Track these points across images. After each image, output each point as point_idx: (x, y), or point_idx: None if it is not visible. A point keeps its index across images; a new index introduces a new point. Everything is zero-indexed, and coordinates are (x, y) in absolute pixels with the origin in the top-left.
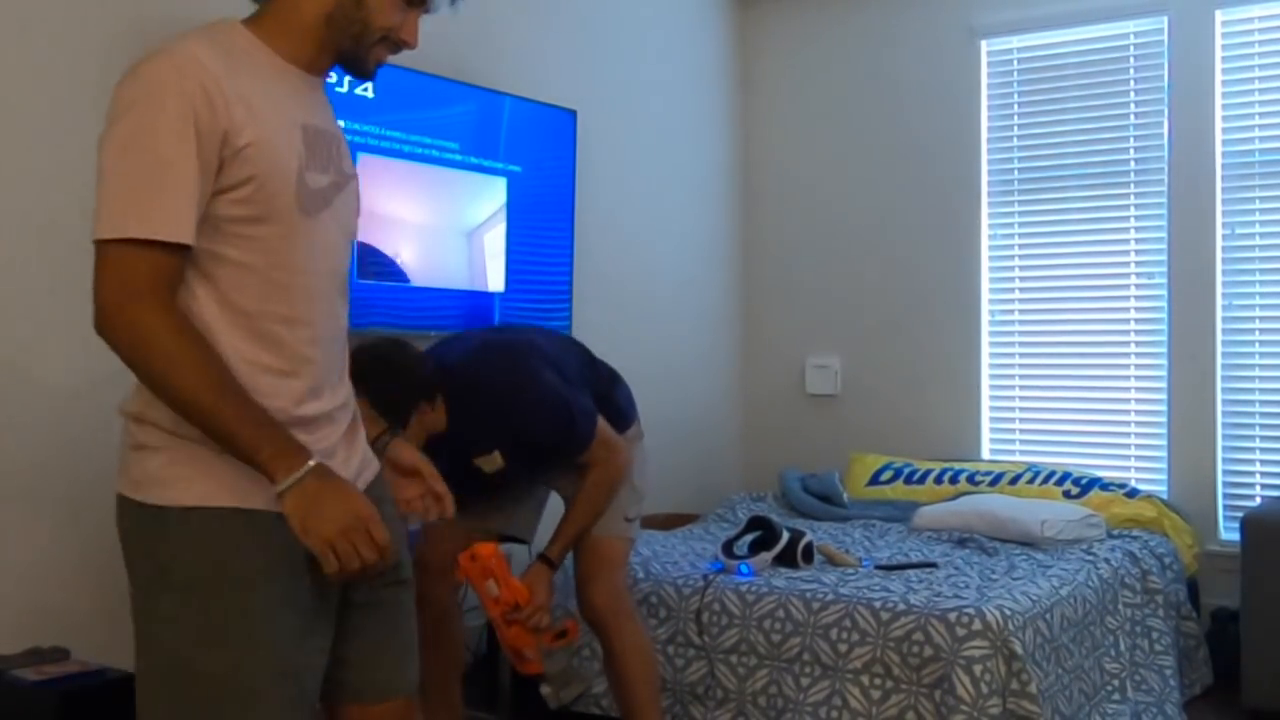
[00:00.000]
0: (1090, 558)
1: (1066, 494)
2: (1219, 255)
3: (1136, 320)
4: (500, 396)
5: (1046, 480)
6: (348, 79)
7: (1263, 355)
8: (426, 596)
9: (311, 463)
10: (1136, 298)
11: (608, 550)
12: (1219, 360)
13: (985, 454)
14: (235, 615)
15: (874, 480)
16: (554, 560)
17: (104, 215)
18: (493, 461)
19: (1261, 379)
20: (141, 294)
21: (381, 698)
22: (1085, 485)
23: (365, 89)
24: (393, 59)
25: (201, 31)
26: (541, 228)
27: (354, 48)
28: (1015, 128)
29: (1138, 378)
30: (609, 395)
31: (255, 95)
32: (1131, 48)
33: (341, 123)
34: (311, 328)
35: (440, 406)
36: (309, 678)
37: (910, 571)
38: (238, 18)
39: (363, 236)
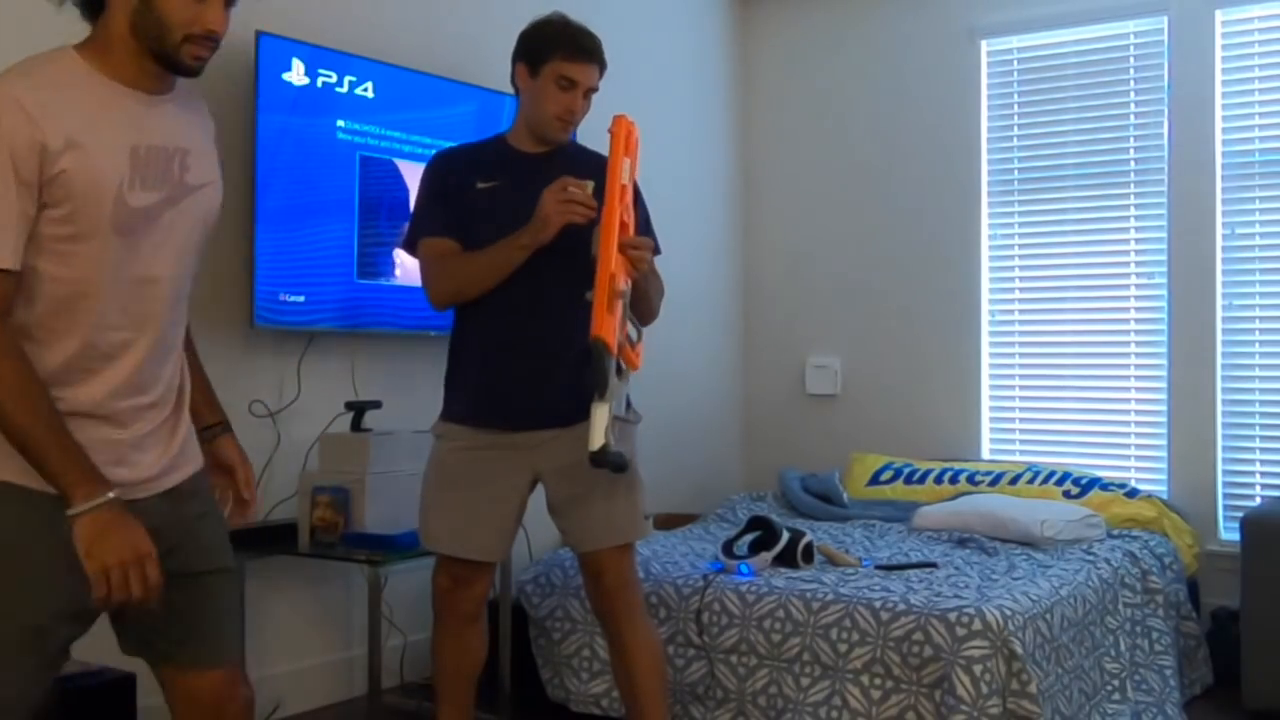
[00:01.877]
0: (1090, 558)
1: (1066, 494)
2: (1219, 255)
3: (1136, 320)
4: None
5: (1046, 480)
6: (348, 78)
7: (1263, 355)
8: (454, 601)
9: (111, 494)
10: (1136, 298)
11: (619, 556)
12: (1219, 360)
13: (985, 454)
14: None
15: (874, 480)
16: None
17: None
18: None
19: (1261, 379)
20: None
21: (196, 666)
22: (1085, 485)
23: (365, 89)
24: (392, 59)
25: (29, 65)
26: None
27: (160, 50)
28: (1015, 128)
29: (1138, 378)
30: None
31: (76, 124)
32: (1131, 48)
33: (341, 123)
34: (124, 332)
35: (555, 96)
36: (59, 644)
37: (910, 571)
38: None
39: (362, 236)
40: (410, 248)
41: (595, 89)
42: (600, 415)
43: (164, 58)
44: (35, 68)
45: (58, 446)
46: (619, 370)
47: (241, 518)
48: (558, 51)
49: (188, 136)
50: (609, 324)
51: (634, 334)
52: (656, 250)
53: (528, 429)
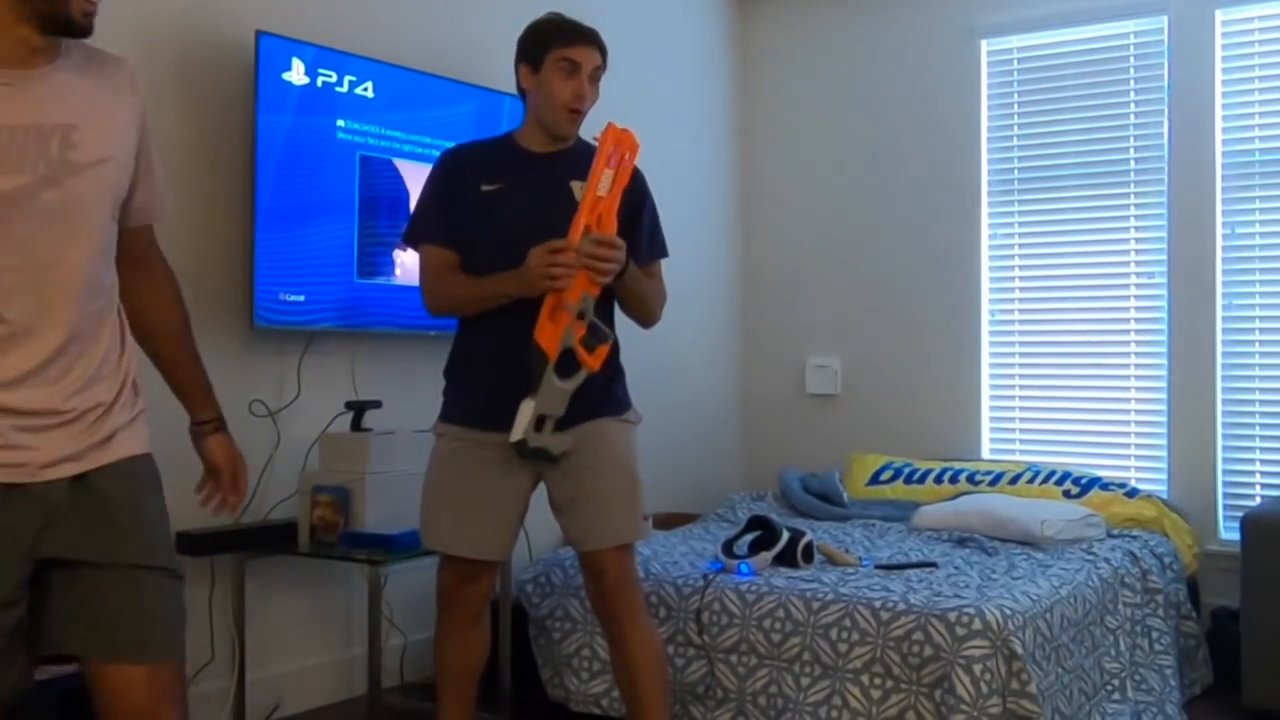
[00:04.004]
0: (1090, 557)
1: (1066, 494)
2: (1219, 255)
3: (1136, 320)
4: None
5: (1046, 480)
6: (348, 78)
7: (1263, 355)
8: (459, 598)
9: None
10: (1136, 298)
11: (619, 556)
12: (1219, 360)
13: (985, 454)
14: None
15: (874, 480)
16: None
17: None
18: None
19: (1261, 379)
20: None
21: (117, 660)
22: (1085, 485)
23: (365, 88)
24: (392, 59)
25: None
26: None
27: (51, 7)
28: (1015, 128)
29: (1138, 378)
30: (608, 388)
31: None
32: (1131, 48)
33: (341, 122)
34: (12, 324)
35: (555, 94)
36: None
37: (910, 571)
38: None
39: (362, 236)
40: (411, 244)
41: (600, 70)
42: (524, 411)
43: (54, 16)
44: None
45: None
46: (569, 371)
47: (220, 511)
48: (555, 40)
49: (75, 110)
50: (548, 331)
51: (600, 335)
52: (663, 253)
53: None
